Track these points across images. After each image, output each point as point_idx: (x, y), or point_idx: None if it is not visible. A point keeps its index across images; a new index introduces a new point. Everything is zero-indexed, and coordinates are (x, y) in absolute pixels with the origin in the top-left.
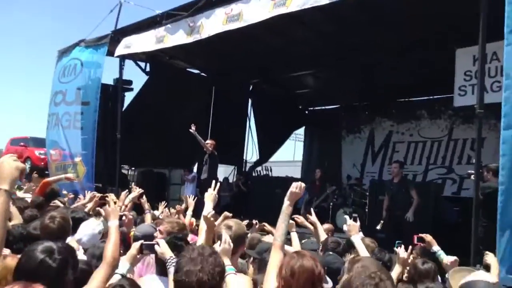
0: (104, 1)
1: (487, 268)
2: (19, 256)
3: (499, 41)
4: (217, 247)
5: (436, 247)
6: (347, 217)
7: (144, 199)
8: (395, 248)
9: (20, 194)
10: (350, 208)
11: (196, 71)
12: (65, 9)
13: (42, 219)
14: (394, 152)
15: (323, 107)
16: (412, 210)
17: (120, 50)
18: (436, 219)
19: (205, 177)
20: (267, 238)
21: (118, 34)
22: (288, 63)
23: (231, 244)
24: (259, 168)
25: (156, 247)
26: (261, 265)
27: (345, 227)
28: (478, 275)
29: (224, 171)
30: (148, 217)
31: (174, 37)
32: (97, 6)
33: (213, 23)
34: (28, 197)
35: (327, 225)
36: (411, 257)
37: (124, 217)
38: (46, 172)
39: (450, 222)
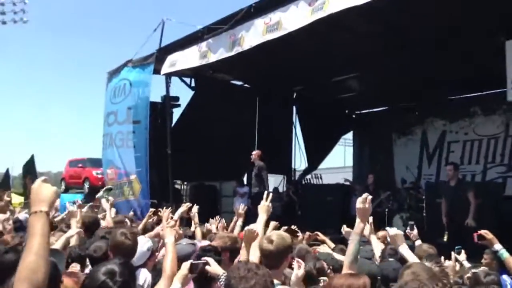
0: (148, 21)
1: None
2: (72, 276)
3: None
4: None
5: (498, 246)
6: (388, 228)
7: (193, 214)
8: (453, 253)
9: None
10: (407, 213)
11: (239, 83)
12: (111, 31)
13: (113, 236)
14: (449, 152)
15: (371, 110)
16: (471, 215)
17: (166, 68)
18: (500, 221)
19: (256, 190)
20: (322, 249)
21: (163, 52)
22: (330, 67)
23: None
24: (309, 176)
25: (207, 266)
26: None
27: (388, 238)
28: None
29: (274, 181)
30: (198, 232)
31: (217, 51)
32: (141, 25)
33: (253, 34)
34: None
35: (383, 232)
36: (457, 265)
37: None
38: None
39: None
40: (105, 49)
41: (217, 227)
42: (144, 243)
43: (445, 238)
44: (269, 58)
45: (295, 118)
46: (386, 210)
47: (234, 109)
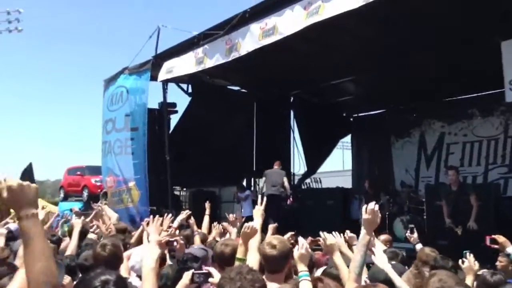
0: (143, 28)
1: None
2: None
3: None
4: (295, 252)
5: (510, 249)
6: (322, 235)
7: (192, 221)
8: (463, 259)
9: None
10: (407, 216)
11: (236, 88)
12: (106, 38)
13: (94, 248)
14: (449, 154)
15: (368, 113)
16: (473, 217)
17: (163, 75)
18: (500, 222)
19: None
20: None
21: (159, 59)
22: (326, 71)
23: (309, 250)
24: (308, 180)
25: (210, 278)
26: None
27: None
28: None
29: None
30: (197, 239)
31: (213, 57)
32: (137, 33)
33: (249, 40)
34: None
35: (384, 236)
36: (477, 265)
37: (176, 243)
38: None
39: None
40: (101, 57)
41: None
42: None
43: (459, 232)
44: (265, 63)
45: (293, 122)
46: (387, 214)
47: (231, 114)
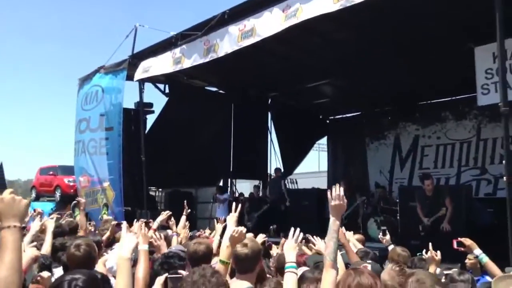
0: (120, 27)
1: None
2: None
3: None
4: (288, 242)
5: (477, 251)
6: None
7: (172, 222)
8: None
9: None
10: (381, 217)
11: (214, 89)
12: (82, 37)
13: (68, 248)
14: (423, 156)
15: (344, 115)
16: (446, 219)
17: (139, 74)
18: (470, 223)
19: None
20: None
21: (136, 58)
22: (303, 74)
23: (298, 240)
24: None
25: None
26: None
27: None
28: None
29: (250, 186)
30: (174, 240)
31: (191, 57)
32: (113, 32)
33: (228, 41)
34: None
35: (358, 236)
36: (439, 255)
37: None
38: (77, 199)
39: (484, 225)
40: (76, 56)
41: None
42: None
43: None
44: (243, 64)
45: (270, 124)
46: (361, 214)
47: (209, 115)
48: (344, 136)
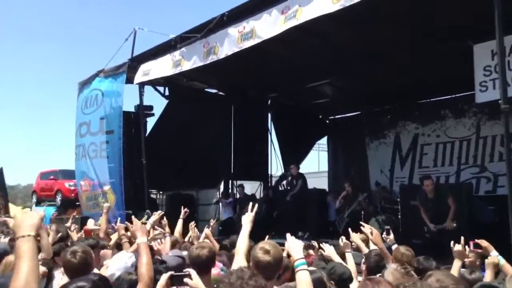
0: (120, 30)
1: None
2: None
3: None
4: (289, 240)
5: (494, 252)
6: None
7: (165, 222)
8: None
9: None
10: (383, 216)
11: (214, 91)
12: (81, 40)
13: (64, 254)
14: (423, 154)
15: (344, 115)
16: (450, 218)
17: (139, 77)
18: (471, 221)
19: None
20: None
21: (135, 62)
22: (303, 74)
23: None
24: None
25: (186, 279)
26: None
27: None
28: None
29: (251, 188)
30: (167, 241)
31: (191, 60)
32: (112, 35)
33: (228, 43)
34: None
35: (361, 236)
36: (467, 250)
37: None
38: (77, 203)
39: (486, 222)
40: (76, 60)
41: (190, 237)
42: (127, 258)
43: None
44: (242, 66)
45: (270, 125)
46: (363, 213)
47: (209, 117)
48: (344, 136)
